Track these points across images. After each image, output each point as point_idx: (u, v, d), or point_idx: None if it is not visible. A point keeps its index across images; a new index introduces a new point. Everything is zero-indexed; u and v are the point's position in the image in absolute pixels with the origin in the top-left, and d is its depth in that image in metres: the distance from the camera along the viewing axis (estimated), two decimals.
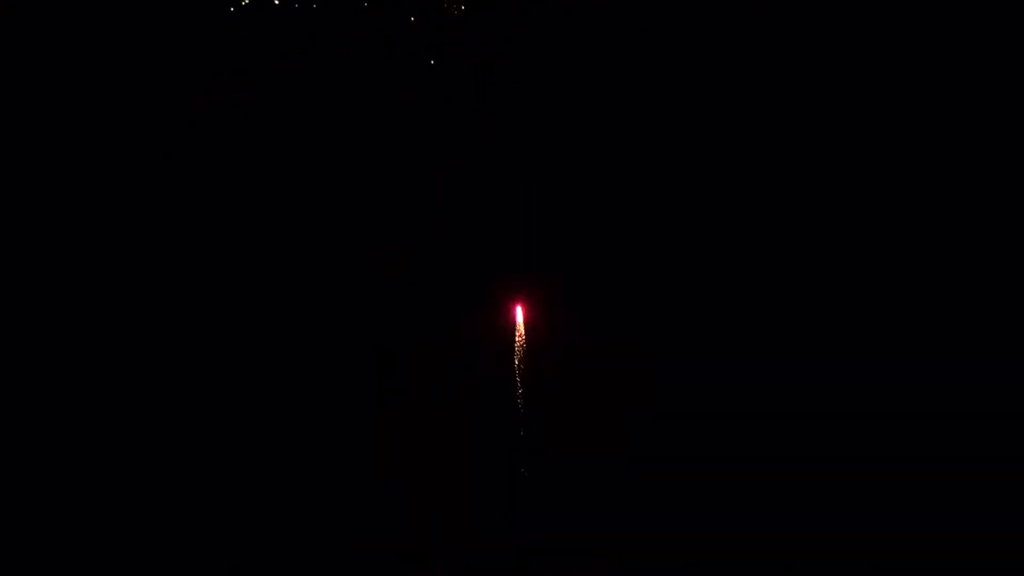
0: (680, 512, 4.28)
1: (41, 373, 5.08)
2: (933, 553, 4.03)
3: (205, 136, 7.55)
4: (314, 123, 7.58)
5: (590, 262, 6.12)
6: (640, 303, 5.76)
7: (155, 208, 6.83)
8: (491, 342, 5.44)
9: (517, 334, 5.48)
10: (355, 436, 4.80)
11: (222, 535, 4.31)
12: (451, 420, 4.86)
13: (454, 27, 7.58)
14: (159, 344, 5.47)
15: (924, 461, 4.48)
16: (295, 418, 4.93)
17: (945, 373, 4.86)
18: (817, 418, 4.80)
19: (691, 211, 6.24)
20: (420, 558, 4.14)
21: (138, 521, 4.33)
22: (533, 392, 5.16)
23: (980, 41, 6.21)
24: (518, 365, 5.33)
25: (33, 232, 6.35)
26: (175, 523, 4.31)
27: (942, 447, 4.52)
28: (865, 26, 6.54)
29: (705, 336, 5.41)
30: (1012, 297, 5.24)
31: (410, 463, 4.65)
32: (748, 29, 6.75)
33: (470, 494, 4.55)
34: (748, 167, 6.26)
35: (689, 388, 5.02)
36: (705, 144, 6.39)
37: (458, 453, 4.66)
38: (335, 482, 4.60)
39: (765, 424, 4.81)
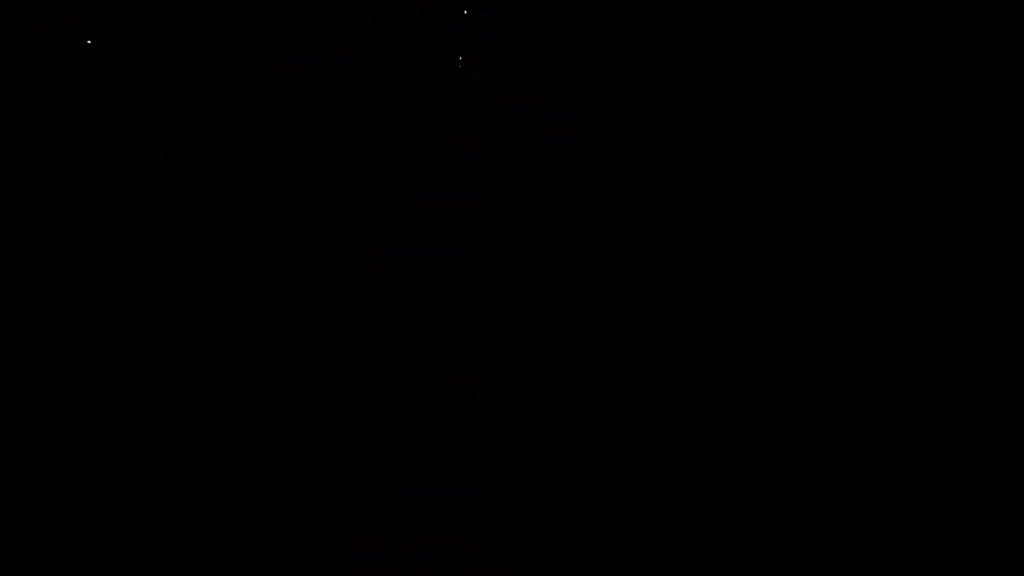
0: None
1: (40, 373, 5.08)
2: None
3: (205, 136, 7.57)
4: (314, 123, 7.60)
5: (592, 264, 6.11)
6: (645, 309, 5.76)
7: (155, 208, 6.84)
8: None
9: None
10: (354, 436, 4.80)
11: (220, 536, 4.30)
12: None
13: (454, 27, 7.60)
14: (158, 344, 5.47)
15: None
16: (294, 418, 4.93)
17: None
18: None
19: (695, 212, 6.25)
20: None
21: (136, 522, 4.33)
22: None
23: (980, 41, 6.22)
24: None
25: (31, 232, 6.36)
26: (171, 523, 4.31)
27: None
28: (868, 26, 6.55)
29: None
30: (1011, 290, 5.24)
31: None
32: (751, 30, 6.77)
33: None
34: (758, 170, 6.27)
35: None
36: (708, 144, 6.40)
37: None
38: (334, 483, 4.60)
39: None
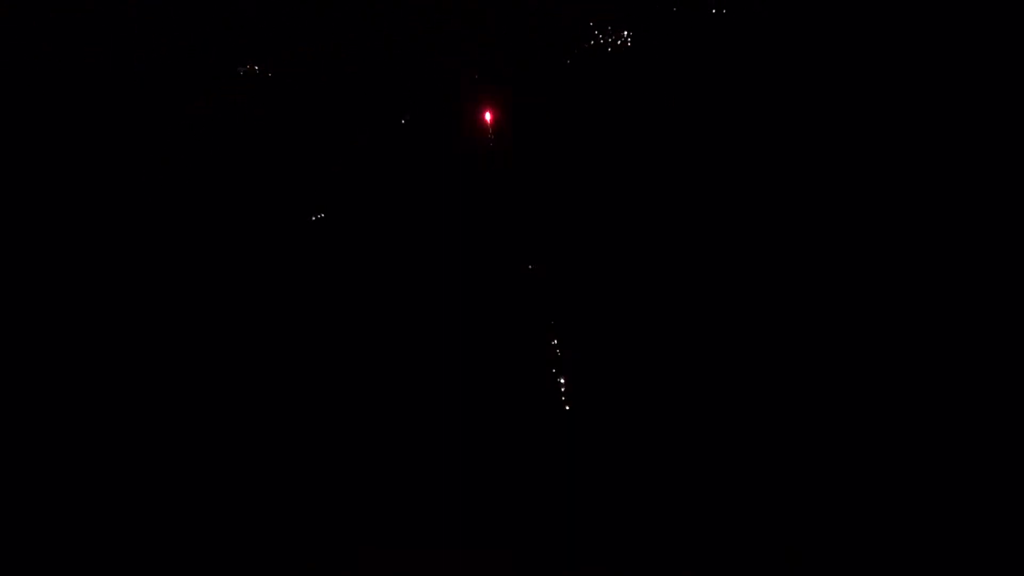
0: None
1: (41, 373, 5.06)
2: None
3: (204, 139, 7.55)
4: (314, 125, 7.59)
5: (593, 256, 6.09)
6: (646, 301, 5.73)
7: (154, 212, 6.82)
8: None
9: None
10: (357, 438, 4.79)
11: (220, 537, 4.29)
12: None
13: (454, 27, 7.57)
14: (159, 347, 5.46)
15: None
16: (296, 420, 4.92)
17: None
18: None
19: (695, 209, 6.24)
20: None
21: (136, 523, 4.31)
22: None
23: (981, 42, 6.21)
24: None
25: (30, 236, 6.34)
26: (174, 524, 4.29)
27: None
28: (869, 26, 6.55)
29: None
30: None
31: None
32: (755, 32, 6.76)
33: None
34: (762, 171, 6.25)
35: None
36: (710, 144, 6.39)
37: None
38: (338, 486, 4.59)
39: None
